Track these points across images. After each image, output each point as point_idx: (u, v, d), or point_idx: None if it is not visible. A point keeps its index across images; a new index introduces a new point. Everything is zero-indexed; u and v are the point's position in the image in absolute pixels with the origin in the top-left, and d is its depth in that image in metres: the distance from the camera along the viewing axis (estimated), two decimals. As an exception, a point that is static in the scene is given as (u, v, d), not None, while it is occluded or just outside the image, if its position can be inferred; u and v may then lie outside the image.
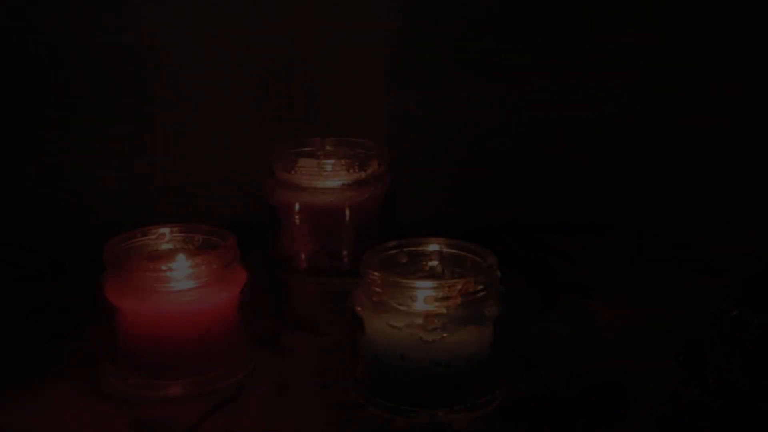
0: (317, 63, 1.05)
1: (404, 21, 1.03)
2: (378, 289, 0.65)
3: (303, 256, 0.79)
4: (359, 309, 0.66)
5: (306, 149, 0.83)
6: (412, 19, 1.03)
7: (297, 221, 0.78)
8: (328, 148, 0.84)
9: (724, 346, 0.61)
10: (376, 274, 0.65)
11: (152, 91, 1.06)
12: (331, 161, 0.78)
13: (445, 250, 0.71)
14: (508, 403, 0.67)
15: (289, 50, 1.04)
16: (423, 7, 1.03)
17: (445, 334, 0.63)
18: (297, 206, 0.78)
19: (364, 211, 0.78)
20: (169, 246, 0.75)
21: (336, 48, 1.04)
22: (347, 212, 0.78)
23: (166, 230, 0.75)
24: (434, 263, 0.71)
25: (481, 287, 0.65)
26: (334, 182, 0.78)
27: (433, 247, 0.72)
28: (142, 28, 1.03)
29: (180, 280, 0.68)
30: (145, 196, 1.09)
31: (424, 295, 0.64)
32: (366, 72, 1.05)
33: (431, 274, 0.71)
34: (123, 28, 1.03)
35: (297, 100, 1.06)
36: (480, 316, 0.65)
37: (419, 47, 1.04)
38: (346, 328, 0.70)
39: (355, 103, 1.06)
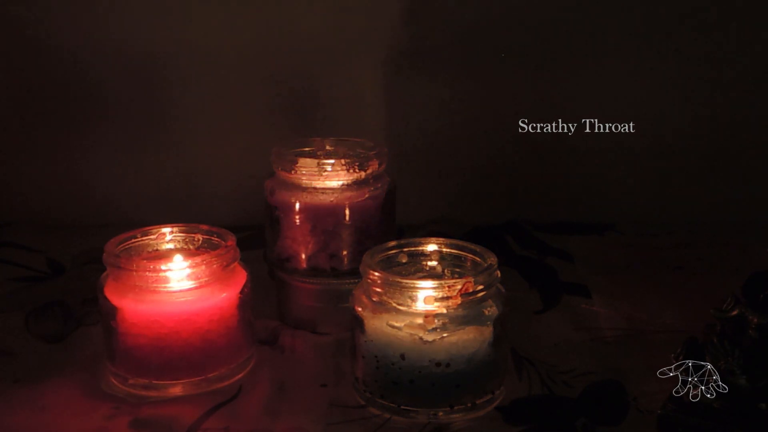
0: (320, 64, 1.05)
1: (406, 23, 1.03)
2: (378, 289, 0.65)
3: (303, 256, 0.79)
4: (359, 309, 0.66)
5: (306, 149, 0.83)
6: (413, 22, 1.03)
7: (297, 221, 0.78)
8: (328, 148, 0.84)
9: (724, 346, 0.61)
10: (376, 274, 0.65)
11: (153, 93, 1.06)
12: (331, 161, 0.78)
13: (445, 250, 0.71)
14: (508, 403, 0.67)
15: (291, 52, 1.04)
16: (424, 10, 1.03)
17: (445, 334, 0.63)
18: (297, 206, 0.78)
19: (364, 211, 0.78)
20: (169, 246, 0.75)
21: (339, 50, 1.04)
22: (347, 212, 0.77)
23: (166, 230, 0.75)
24: (434, 263, 0.71)
25: (481, 287, 0.65)
26: (333, 182, 0.78)
27: (433, 247, 0.71)
28: (144, 35, 1.03)
29: (180, 280, 0.68)
30: (145, 196, 1.09)
31: (424, 295, 0.64)
32: (368, 73, 1.05)
33: (431, 274, 0.71)
34: (127, 34, 1.03)
35: (298, 100, 1.06)
36: (480, 316, 0.65)
37: (421, 49, 1.04)
38: (346, 328, 0.70)
39: (358, 105, 1.06)
